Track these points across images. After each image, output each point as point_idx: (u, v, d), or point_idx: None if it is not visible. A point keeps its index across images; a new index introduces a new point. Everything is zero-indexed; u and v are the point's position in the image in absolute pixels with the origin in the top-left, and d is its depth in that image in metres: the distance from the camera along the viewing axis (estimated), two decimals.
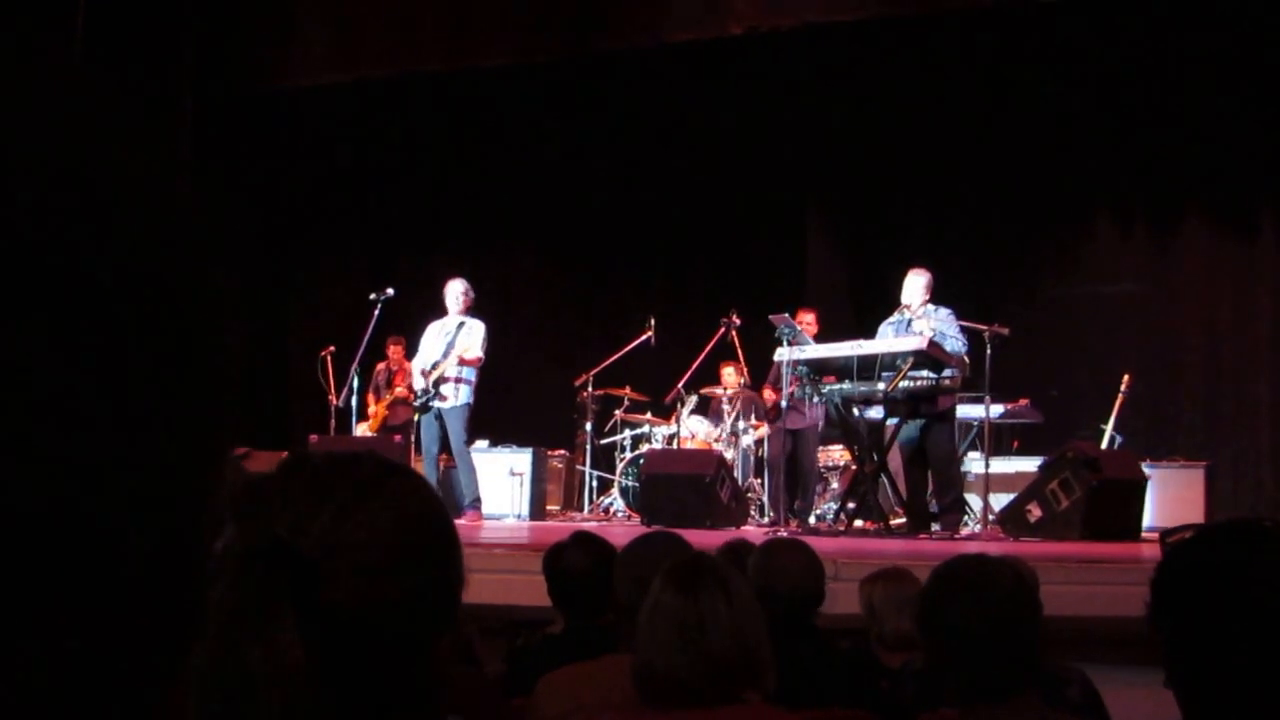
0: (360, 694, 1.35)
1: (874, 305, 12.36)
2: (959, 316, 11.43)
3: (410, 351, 13.60)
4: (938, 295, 11.56)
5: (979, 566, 3.22)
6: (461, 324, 12.63)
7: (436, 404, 12.41)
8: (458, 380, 12.37)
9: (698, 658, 3.03)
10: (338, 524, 1.36)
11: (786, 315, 12.04)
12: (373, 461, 1.47)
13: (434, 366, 12.42)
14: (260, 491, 1.40)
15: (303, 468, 1.43)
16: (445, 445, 12.62)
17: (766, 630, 3.15)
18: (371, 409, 14.10)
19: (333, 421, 14.05)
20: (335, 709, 1.32)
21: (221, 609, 1.27)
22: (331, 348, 14.21)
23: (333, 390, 14.12)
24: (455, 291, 12.68)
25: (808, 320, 12.58)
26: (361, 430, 13.84)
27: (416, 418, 12.80)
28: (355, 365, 13.48)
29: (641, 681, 3.12)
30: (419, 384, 12.64)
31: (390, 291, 12.93)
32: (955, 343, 11.09)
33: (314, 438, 13.05)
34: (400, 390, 13.94)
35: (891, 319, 11.59)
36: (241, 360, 0.63)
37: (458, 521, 11.78)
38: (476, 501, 12.49)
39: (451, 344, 12.49)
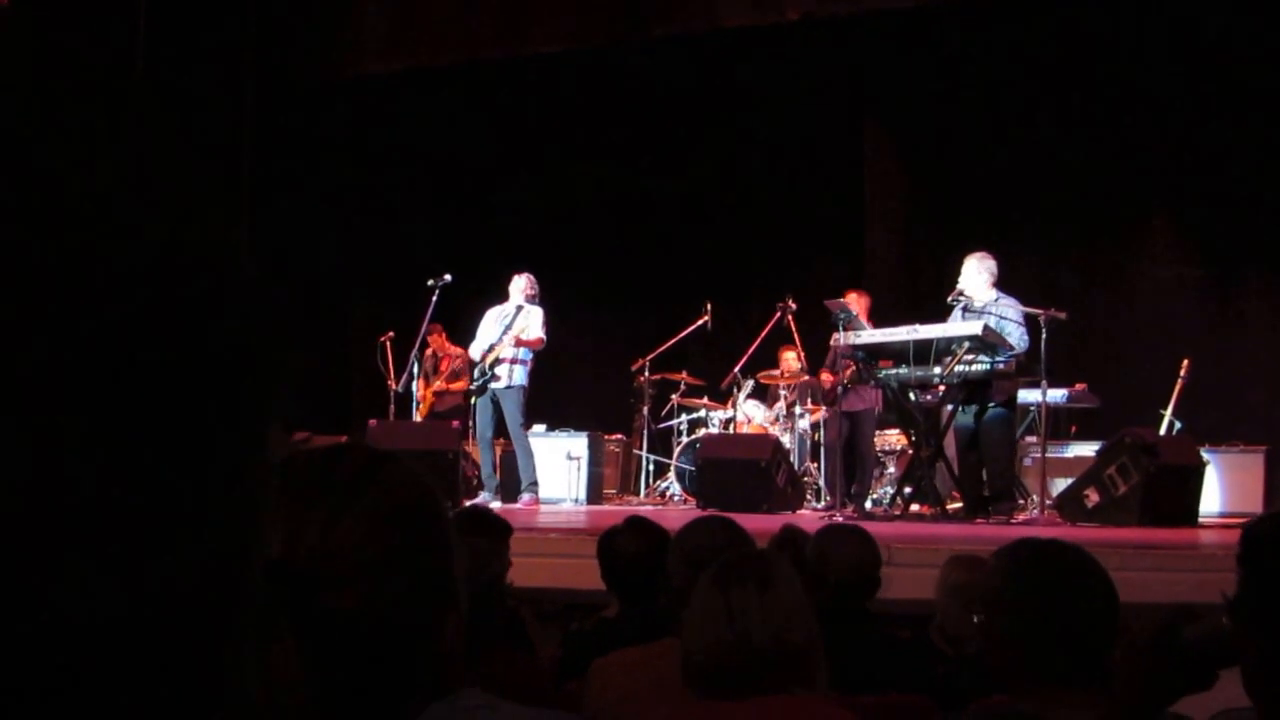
0: (368, 688, 1.36)
1: (931, 289, 12.27)
2: (1019, 300, 11.32)
3: (452, 337, 13.72)
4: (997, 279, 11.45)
5: (1046, 548, 3.18)
6: (520, 308, 12.62)
7: (492, 385, 12.41)
8: (513, 361, 12.37)
9: (733, 652, 3.05)
10: (328, 532, 1.36)
11: (843, 301, 11.98)
12: (356, 456, 1.46)
13: (490, 349, 12.43)
14: None
15: (285, 476, 1.42)
16: (501, 429, 12.62)
17: (815, 629, 3.16)
18: (419, 394, 14.12)
19: (392, 406, 14.10)
20: (343, 711, 1.32)
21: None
22: (391, 333, 14.25)
23: (392, 375, 14.17)
24: (519, 286, 12.72)
25: (850, 299, 12.46)
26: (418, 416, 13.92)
27: (473, 401, 12.80)
28: (415, 351, 13.53)
29: (685, 671, 3.16)
30: (477, 369, 12.65)
31: (448, 277, 12.94)
32: (1017, 338, 10.95)
33: (373, 422, 13.09)
34: (447, 376, 14.01)
35: (958, 301, 11.44)
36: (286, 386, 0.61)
37: (514, 506, 11.87)
38: (534, 485, 12.48)
39: (508, 327, 12.48)
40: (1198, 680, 2.41)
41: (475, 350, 12.75)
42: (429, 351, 14.23)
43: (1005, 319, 11.01)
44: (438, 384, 14.04)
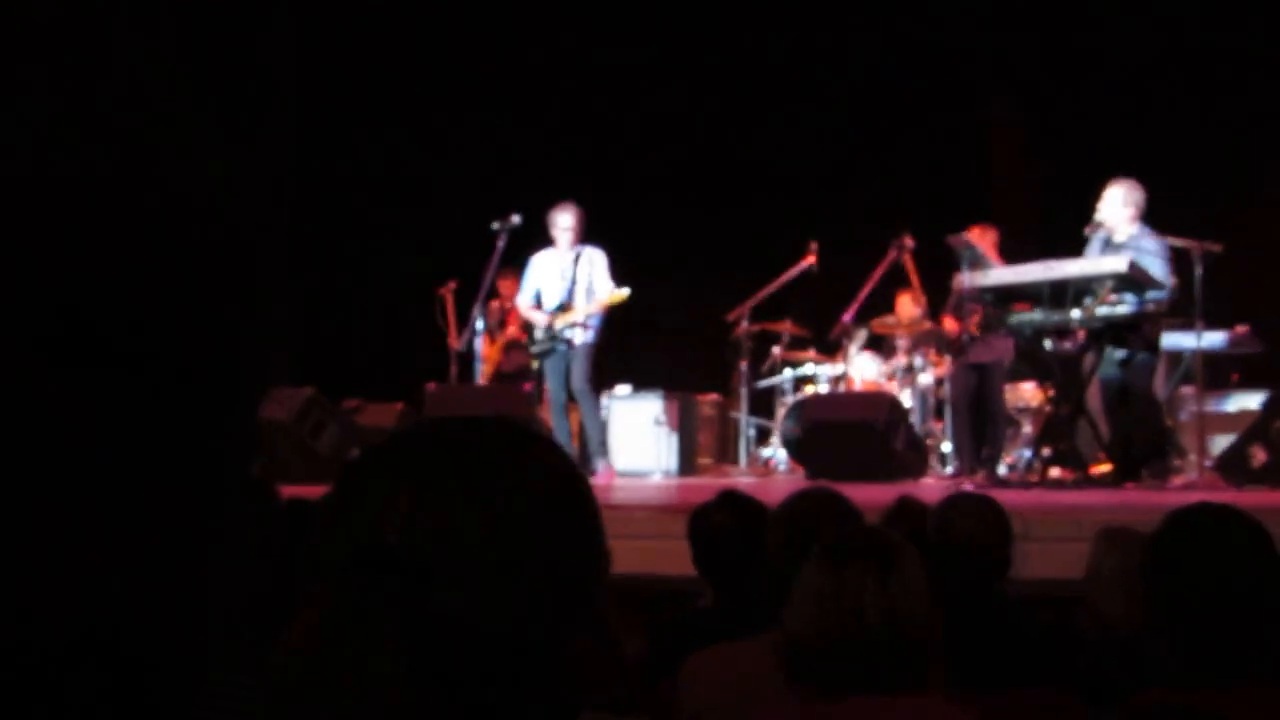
0: (477, 705, 1.33)
1: (1069, 221, 12.11)
2: (1165, 232, 11.14)
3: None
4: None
5: (1221, 517, 3.10)
6: (578, 256, 12.43)
7: (563, 349, 12.29)
8: (586, 325, 12.22)
9: (844, 640, 2.98)
10: (455, 520, 1.33)
11: (966, 236, 11.86)
12: (498, 434, 1.42)
13: (561, 309, 12.28)
14: (364, 477, 1.37)
15: (414, 447, 1.39)
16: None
17: (936, 621, 3.10)
18: (483, 352, 14.07)
19: (453, 368, 14.02)
20: None
21: (317, 616, 1.26)
22: (452, 284, 14.20)
23: (453, 332, 14.09)
24: (564, 224, 12.44)
25: (975, 234, 12.34)
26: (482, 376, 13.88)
27: (535, 365, 12.69)
28: (478, 304, 13.45)
29: (787, 660, 3.11)
30: (539, 326, 12.51)
31: (516, 219, 12.81)
32: (1161, 276, 10.79)
33: (431, 386, 13.08)
34: (513, 331, 13.91)
35: (1099, 234, 11.31)
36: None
37: (592, 480, 11.82)
38: (603, 447, 12.39)
39: (574, 280, 12.31)
40: None
41: (523, 302, 12.63)
42: (495, 303, 14.13)
43: (1145, 252, 10.85)
44: (505, 338, 13.98)
